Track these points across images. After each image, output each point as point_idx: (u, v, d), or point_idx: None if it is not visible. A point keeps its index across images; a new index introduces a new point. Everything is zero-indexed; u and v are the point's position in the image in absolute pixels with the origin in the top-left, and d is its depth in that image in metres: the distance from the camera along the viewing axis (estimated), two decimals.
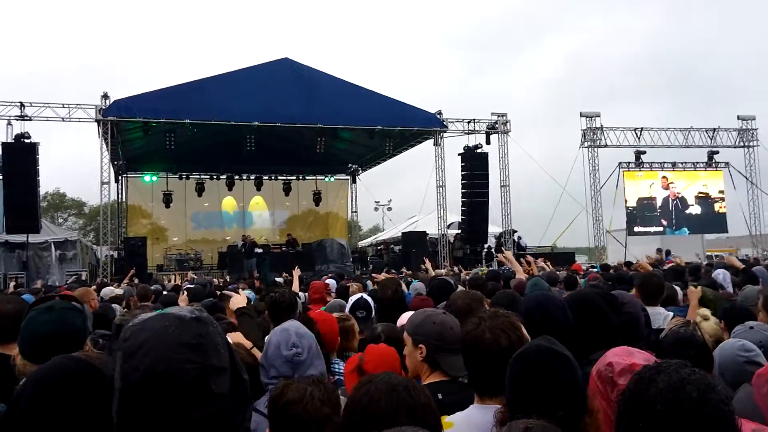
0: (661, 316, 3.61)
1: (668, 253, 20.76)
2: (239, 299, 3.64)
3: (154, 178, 25.79)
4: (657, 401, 1.26)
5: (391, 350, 2.62)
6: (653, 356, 1.83)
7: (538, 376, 1.67)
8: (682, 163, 26.95)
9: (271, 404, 1.83)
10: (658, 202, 26.46)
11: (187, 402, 1.09)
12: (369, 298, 4.10)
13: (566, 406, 1.63)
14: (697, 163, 27.06)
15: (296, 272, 6.58)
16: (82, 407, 1.35)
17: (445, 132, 22.14)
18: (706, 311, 2.81)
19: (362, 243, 34.96)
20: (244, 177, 26.98)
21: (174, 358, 1.10)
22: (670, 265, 10.28)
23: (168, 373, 1.09)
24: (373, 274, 10.38)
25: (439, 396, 2.32)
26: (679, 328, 2.45)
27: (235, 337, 2.91)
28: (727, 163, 27.18)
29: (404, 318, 3.50)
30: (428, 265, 11.26)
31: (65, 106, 18.81)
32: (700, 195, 26.94)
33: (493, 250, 22.77)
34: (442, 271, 13.17)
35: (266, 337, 2.52)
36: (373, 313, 4.04)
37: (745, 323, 2.70)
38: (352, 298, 4.17)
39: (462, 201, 22.53)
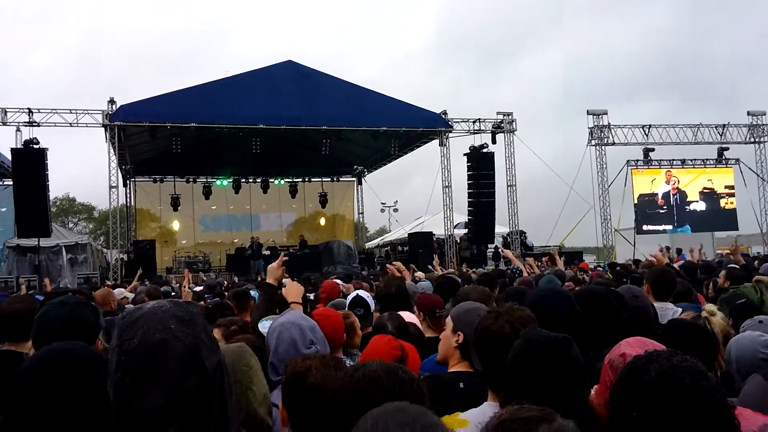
0: (670, 311, 3.58)
1: (679, 251, 20.63)
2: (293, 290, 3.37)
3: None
4: (650, 389, 1.26)
5: (394, 341, 2.62)
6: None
7: (542, 365, 1.67)
8: (691, 160, 26.73)
9: (291, 386, 1.85)
10: (659, 198, 26.23)
11: (180, 369, 1.14)
12: (366, 295, 4.11)
13: (567, 393, 1.62)
14: (707, 159, 26.83)
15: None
16: (81, 387, 1.41)
17: (450, 132, 22.11)
18: (712, 307, 2.79)
19: (369, 244, 34.99)
20: (251, 180, 27.07)
21: (168, 327, 1.17)
22: (680, 262, 10.21)
23: (162, 341, 1.15)
24: (387, 264, 10.29)
25: (461, 385, 2.32)
26: (685, 319, 2.43)
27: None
28: (737, 160, 26.96)
29: (405, 316, 3.52)
30: (436, 264, 11.24)
31: (73, 111, 18.95)
32: (704, 190, 26.67)
33: (500, 249, 22.72)
34: (451, 270, 13.14)
35: (269, 330, 2.47)
36: (372, 309, 4.05)
37: (753, 318, 2.67)
38: (349, 297, 4.15)
39: (468, 201, 22.50)
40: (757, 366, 2.23)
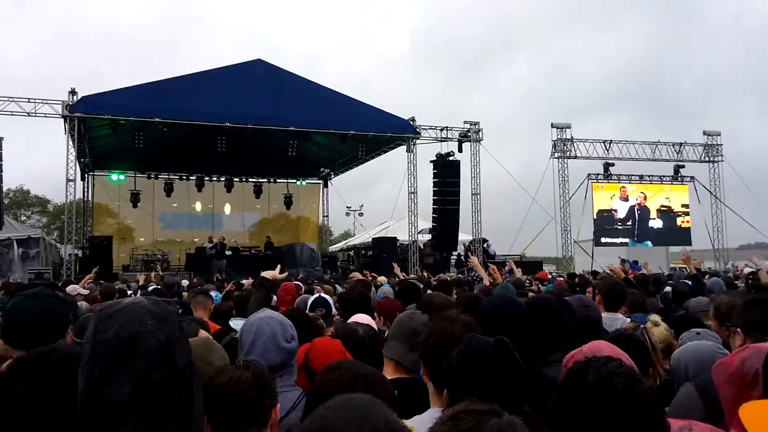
0: (618, 322, 3.72)
1: (635, 263, 21.21)
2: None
3: (122, 177, 25.31)
4: (587, 393, 1.34)
5: (335, 343, 2.64)
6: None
7: (489, 368, 1.74)
8: (649, 176, 27.57)
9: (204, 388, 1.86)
10: (620, 214, 26.95)
11: (150, 363, 1.18)
12: (327, 297, 4.21)
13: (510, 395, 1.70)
14: (664, 176, 27.72)
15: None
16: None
17: (417, 139, 22.29)
18: (656, 317, 2.92)
19: (333, 248, 34.90)
20: (215, 178, 26.71)
21: (143, 322, 1.21)
22: (634, 275, 10.51)
23: (136, 335, 1.19)
24: (351, 274, 10.44)
25: (395, 392, 2.36)
26: (625, 330, 2.54)
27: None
28: (692, 178, 27.93)
29: (357, 318, 3.56)
30: (398, 270, 11.35)
31: (31, 100, 18.40)
32: (662, 208, 27.52)
33: (462, 257, 22.98)
34: (413, 276, 13.24)
35: (245, 326, 2.44)
36: (333, 310, 4.12)
37: (690, 330, 2.81)
38: (311, 298, 4.29)
39: (433, 208, 22.69)
40: None
